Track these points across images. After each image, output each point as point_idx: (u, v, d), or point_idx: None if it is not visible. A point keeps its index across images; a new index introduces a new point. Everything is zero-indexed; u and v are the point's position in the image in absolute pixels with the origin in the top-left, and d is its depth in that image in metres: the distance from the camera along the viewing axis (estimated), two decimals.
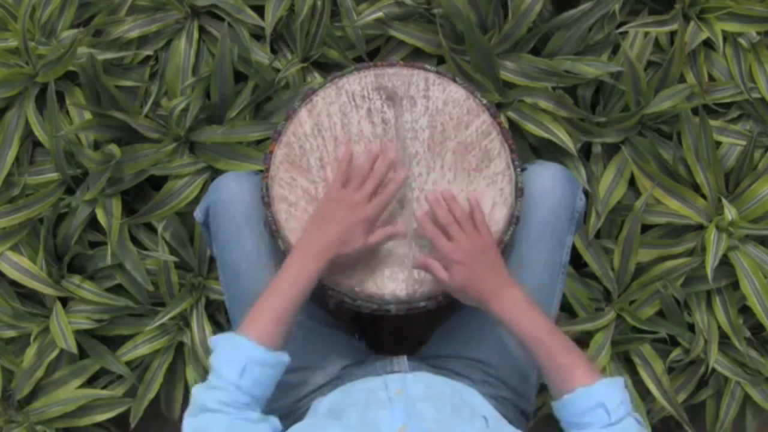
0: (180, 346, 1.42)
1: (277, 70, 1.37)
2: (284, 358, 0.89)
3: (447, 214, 0.94)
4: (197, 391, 0.84)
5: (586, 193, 1.29)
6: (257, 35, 1.41)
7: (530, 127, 1.33)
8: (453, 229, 0.93)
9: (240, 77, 1.38)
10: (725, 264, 1.34)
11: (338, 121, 1.02)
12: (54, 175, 1.39)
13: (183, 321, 1.41)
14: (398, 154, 1.01)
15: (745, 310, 1.38)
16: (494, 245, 0.94)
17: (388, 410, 0.86)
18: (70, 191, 1.39)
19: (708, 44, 1.40)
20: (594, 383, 0.85)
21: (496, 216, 0.99)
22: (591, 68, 1.34)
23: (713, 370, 1.36)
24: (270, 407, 1.01)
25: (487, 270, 0.92)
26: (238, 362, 0.84)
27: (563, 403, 0.86)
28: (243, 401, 0.84)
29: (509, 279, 0.93)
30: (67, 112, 1.40)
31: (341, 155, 0.98)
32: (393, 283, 0.98)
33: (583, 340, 1.38)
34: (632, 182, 1.37)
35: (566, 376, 0.86)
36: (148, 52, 1.40)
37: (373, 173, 0.96)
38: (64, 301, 1.41)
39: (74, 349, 1.35)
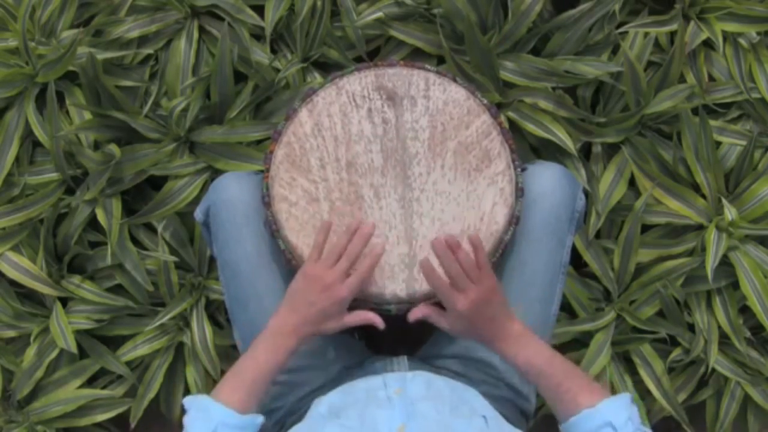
0: (180, 346, 1.42)
1: (277, 70, 1.37)
2: (257, 420, 0.89)
3: (455, 266, 0.90)
4: None
5: (586, 193, 1.29)
6: (257, 35, 1.41)
7: (530, 127, 1.33)
8: (460, 282, 0.90)
9: (240, 77, 1.38)
10: (725, 264, 1.34)
11: (338, 121, 1.02)
12: (54, 175, 1.39)
13: (183, 321, 1.41)
14: (398, 154, 1.01)
15: (745, 310, 1.38)
16: (497, 286, 0.92)
17: (387, 410, 0.86)
18: (70, 191, 1.39)
19: (708, 44, 1.41)
20: (598, 403, 0.85)
21: (497, 216, 0.99)
22: (591, 68, 1.34)
23: (713, 370, 1.36)
24: (270, 407, 1.02)
25: (489, 317, 0.91)
26: (209, 425, 0.86)
27: (570, 425, 0.87)
28: None
29: (510, 316, 0.92)
30: (67, 112, 1.40)
31: (318, 226, 0.95)
32: (393, 283, 0.98)
33: (583, 340, 1.38)
34: (632, 182, 1.37)
35: (571, 401, 0.87)
36: (148, 51, 1.40)
37: (348, 250, 0.93)
38: (64, 301, 1.41)
39: (74, 349, 1.35)
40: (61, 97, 1.39)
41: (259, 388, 0.90)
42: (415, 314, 0.94)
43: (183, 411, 0.89)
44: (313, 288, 0.91)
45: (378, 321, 0.94)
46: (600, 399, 0.86)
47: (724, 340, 1.37)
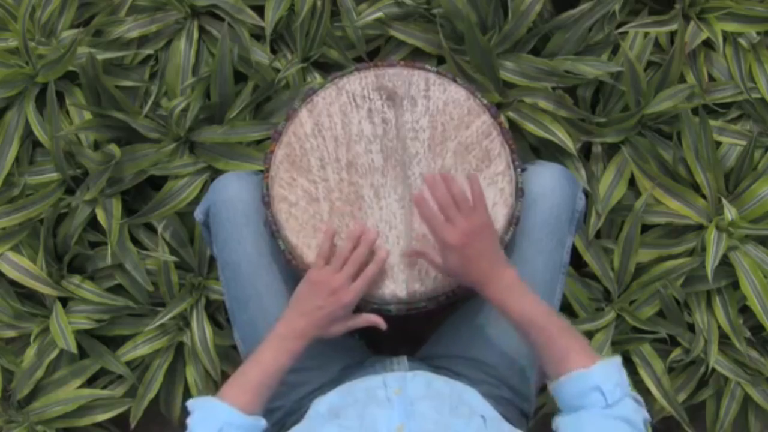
0: (180, 346, 1.42)
1: (277, 70, 1.37)
2: (260, 422, 0.90)
3: (445, 195, 0.91)
4: None
5: (586, 193, 1.29)
6: (257, 35, 1.41)
7: (530, 127, 1.33)
8: (450, 212, 0.90)
9: (240, 77, 1.38)
10: (725, 264, 1.34)
11: (339, 121, 1.02)
12: (54, 175, 1.39)
13: (183, 321, 1.41)
14: (398, 154, 1.01)
15: (745, 310, 1.38)
16: (491, 225, 0.92)
17: (386, 409, 0.86)
18: (70, 191, 1.39)
19: (708, 44, 1.41)
20: (590, 367, 0.84)
21: (497, 216, 0.99)
22: (591, 68, 1.34)
23: (713, 370, 1.36)
24: (270, 407, 1.02)
25: (481, 254, 0.90)
26: (214, 425, 0.86)
27: (559, 384, 0.86)
28: None
29: (504, 262, 0.92)
30: (67, 112, 1.40)
31: (323, 233, 0.96)
32: (393, 283, 0.98)
33: None
34: (632, 182, 1.37)
35: (561, 359, 0.86)
36: (148, 52, 1.40)
37: (353, 256, 0.94)
38: (64, 301, 1.41)
39: (74, 349, 1.35)
40: (61, 97, 1.39)
41: (265, 390, 0.91)
42: (411, 254, 0.95)
43: (184, 411, 0.89)
44: (320, 293, 0.92)
45: (381, 323, 0.95)
46: (593, 361, 0.84)
47: (724, 340, 1.37)
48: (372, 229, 0.97)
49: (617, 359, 0.87)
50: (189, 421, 0.87)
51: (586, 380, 0.84)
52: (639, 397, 0.85)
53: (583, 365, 0.84)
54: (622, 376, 0.85)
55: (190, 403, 0.89)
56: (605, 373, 0.84)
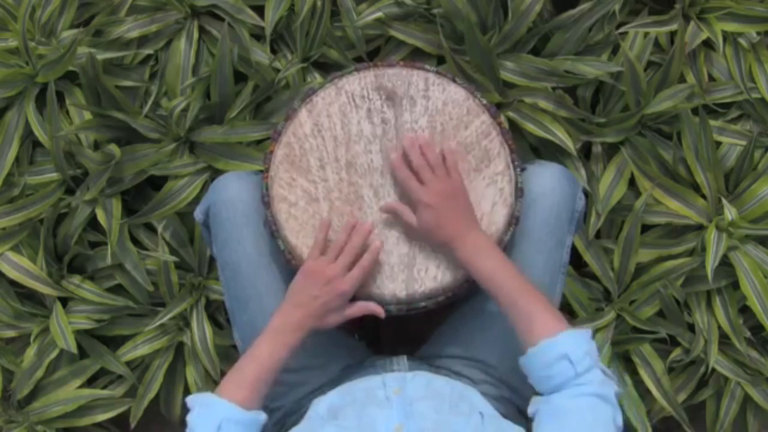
0: (180, 346, 1.42)
1: (277, 70, 1.37)
2: (260, 417, 0.90)
3: (420, 158, 0.96)
4: None
5: (586, 193, 1.29)
6: (257, 35, 1.41)
7: (530, 127, 1.33)
8: (425, 173, 0.95)
9: (240, 77, 1.38)
10: (725, 264, 1.34)
11: (338, 121, 1.02)
12: (54, 175, 1.39)
13: (183, 321, 1.41)
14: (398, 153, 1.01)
15: (745, 310, 1.38)
16: (464, 190, 0.97)
17: (385, 409, 0.86)
18: (70, 191, 1.39)
19: (708, 44, 1.40)
20: (557, 334, 0.84)
21: (496, 216, 0.99)
22: (591, 68, 1.34)
23: (713, 370, 1.36)
24: (270, 407, 1.02)
25: (454, 214, 0.94)
26: (213, 421, 0.86)
27: (528, 356, 0.86)
28: None
29: (476, 225, 0.95)
30: (67, 112, 1.40)
31: (317, 224, 0.97)
32: (393, 283, 0.98)
33: None
34: (632, 182, 1.37)
35: (530, 327, 0.86)
36: (148, 51, 1.40)
37: (348, 246, 0.95)
38: (64, 301, 1.41)
39: (74, 349, 1.35)
40: (61, 97, 1.39)
41: (263, 385, 0.91)
42: (387, 207, 0.98)
43: (184, 410, 0.90)
44: (316, 283, 0.93)
45: (379, 310, 0.96)
46: (559, 330, 0.85)
47: (724, 340, 1.37)
48: (366, 221, 0.98)
49: (587, 330, 0.87)
50: (189, 418, 0.88)
51: (553, 348, 0.84)
52: (608, 370, 0.85)
53: (550, 333, 0.84)
54: (592, 346, 0.85)
55: (189, 400, 0.90)
56: (573, 341, 0.84)
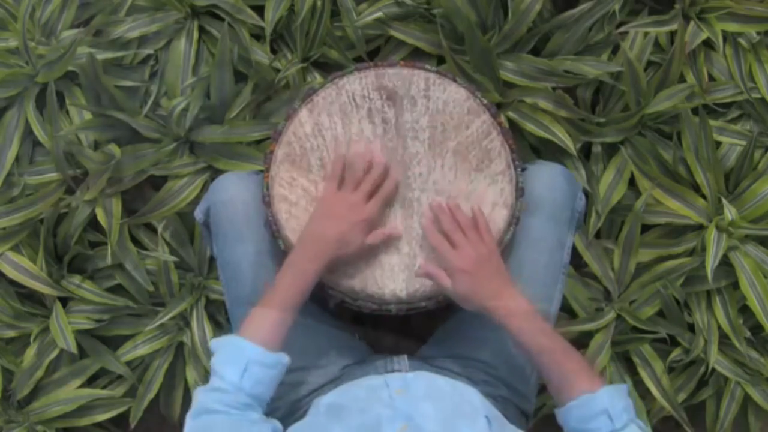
0: (180, 346, 1.42)
1: (277, 70, 1.37)
2: (284, 359, 0.89)
3: (451, 222, 0.95)
4: (199, 393, 0.85)
5: (586, 193, 1.29)
6: (257, 35, 1.41)
7: (530, 127, 1.33)
8: (457, 237, 0.93)
9: (240, 77, 1.38)
10: (725, 264, 1.34)
11: (338, 120, 1.02)
12: (54, 175, 1.39)
13: (183, 321, 1.41)
14: (398, 153, 1.01)
15: (745, 310, 1.38)
16: (497, 252, 0.94)
17: (389, 410, 0.86)
18: (70, 191, 1.39)
19: (708, 44, 1.40)
20: (597, 390, 0.85)
21: (497, 216, 0.99)
22: (591, 68, 1.34)
23: (713, 370, 1.36)
24: (270, 407, 1.01)
25: (489, 279, 0.92)
26: (239, 363, 0.85)
27: (567, 409, 0.86)
28: (244, 402, 0.84)
29: (511, 287, 0.93)
30: (67, 112, 1.40)
31: (333, 158, 0.99)
32: (393, 283, 0.98)
33: (583, 340, 1.38)
34: (632, 182, 1.37)
35: (569, 384, 0.87)
36: (148, 51, 1.40)
37: (369, 173, 0.97)
38: (64, 301, 1.41)
39: (74, 349, 1.35)
40: (61, 97, 1.39)
41: (284, 326, 0.90)
42: (422, 273, 0.96)
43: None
44: (338, 208, 0.94)
45: (398, 233, 0.97)
46: (599, 386, 0.85)
47: (724, 340, 1.37)
48: (379, 151, 0.99)
49: (624, 385, 0.88)
50: (213, 361, 0.87)
51: (594, 404, 0.85)
52: (643, 424, 0.86)
53: (591, 389, 0.86)
54: (629, 402, 0.86)
55: (214, 343, 0.89)
56: (613, 397, 0.85)
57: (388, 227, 0.98)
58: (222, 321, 1.42)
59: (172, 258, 1.36)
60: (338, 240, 0.93)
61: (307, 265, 0.92)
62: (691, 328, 1.38)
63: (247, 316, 0.92)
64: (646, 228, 1.38)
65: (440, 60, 1.37)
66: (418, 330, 1.16)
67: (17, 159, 1.40)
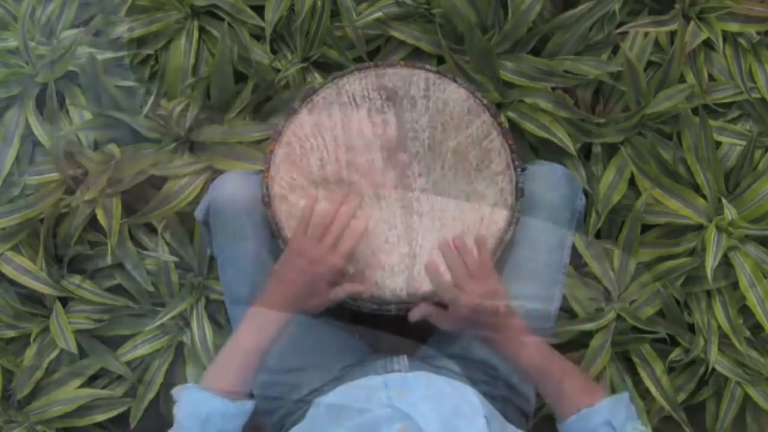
0: (180, 346, 1.42)
1: (277, 70, 1.37)
2: (246, 406, 0.90)
3: (459, 263, 0.94)
4: None
5: (586, 193, 1.29)
6: (257, 35, 1.41)
7: (530, 127, 1.33)
8: (463, 279, 0.93)
9: (240, 77, 1.38)
10: (725, 264, 1.34)
11: (339, 121, 1.02)
12: (54, 175, 1.39)
13: (183, 321, 1.41)
14: (398, 154, 1.01)
15: (745, 310, 1.38)
16: (499, 286, 0.95)
17: (387, 410, 0.86)
18: (70, 191, 1.39)
19: (708, 44, 1.40)
20: (598, 402, 0.85)
21: (497, 216, 0.99)
22: (591, 68, 1.34)
23: (713, 370, 1.36)
24: (270, 407, 1.02)
25: (491, 315, 0.93)
26: (200, 415, 0.86)
27: (569, 424, 0.87)
28: None
29: (511, 315, 0.94)
30: (67, 112, 1.40)
31: (304, 204, 0.97)
32: (393, 283, 0.98)
33: (583, 340, 1.38)
34: (632, 182, 1.37)
35: (569, 400, 0.87)
36: (148, 51, 1.40)
37: (334, 223, 0.95)
38: (64, 301, 1.41)
39: (74, 349, 1.35)
40: (61, 97, 1.39)
41: (247, 374, 0.90)
42: (416, 313, 0.95)
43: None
44: (302, 260, 0.93)
45: (360, 288, 0.95)
46: (599, 398, 0.86)
47: (724, 340, 1.37)
48: (354, 197, 0.98)
49: (625, 394, 0.89)
50: (175, 411, 0.87)
51: (596, 416, 0.85)
52: (645, 430, 0.86)
53: (591, 402, 0.87)
54: (632, 410, 0.86)
55: (175, 392, 0.89)
56: (614, 408, 0.86)
57: (354, 284, 0.97)
58: (222, 321, 1.42)
59: (172, 258, 1.36)
60: (303, 294, 0.94)
61: (272, 319, 0.92)
62: (691, 328, 1.38)
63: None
64: (646, 228, 1.38)
65: (440, 60, 1.37)
66: (418, 330, 1.16)
67: (17, 159, 1.40)
